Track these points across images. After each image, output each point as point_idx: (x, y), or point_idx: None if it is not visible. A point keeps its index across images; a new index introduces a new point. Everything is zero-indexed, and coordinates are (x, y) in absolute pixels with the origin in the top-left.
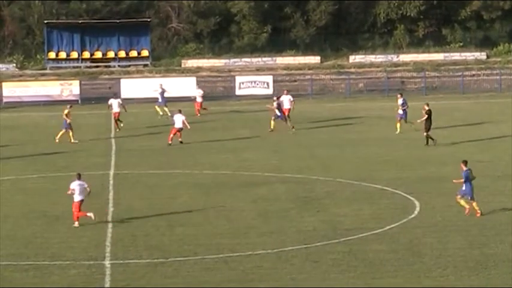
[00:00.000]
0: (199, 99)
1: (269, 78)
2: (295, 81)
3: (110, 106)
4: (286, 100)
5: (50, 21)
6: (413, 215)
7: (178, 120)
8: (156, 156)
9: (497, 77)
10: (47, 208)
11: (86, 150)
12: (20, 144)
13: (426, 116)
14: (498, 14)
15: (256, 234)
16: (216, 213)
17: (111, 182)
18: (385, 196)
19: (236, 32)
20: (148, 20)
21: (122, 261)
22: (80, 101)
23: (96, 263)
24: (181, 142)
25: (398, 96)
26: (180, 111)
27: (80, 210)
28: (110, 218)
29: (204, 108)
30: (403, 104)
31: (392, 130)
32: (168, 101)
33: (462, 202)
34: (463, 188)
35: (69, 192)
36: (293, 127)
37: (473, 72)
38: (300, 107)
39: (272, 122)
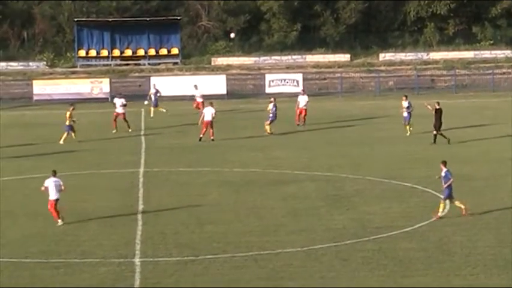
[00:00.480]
0: (199, 99)
1: (299, 76)
2: (324, 79)
3: (115, 105)
4: (302, 100)
5: (80, 19)
6: (442, 213)
7: (208, 113)
8: (185, 154)
9: None
10: (78, 205)
11: (116, 147)
12: (51, 142)
13: (433, 110)
14: None
15: (285, 232)
16: (245, 211)
17: (141, 179)
18: (415, 194)
19: (266, 30)
20: (178, 18)
21: (151, 259)
22: (110, 99)
23: (126, 261)
24: (212, 140)
25: (403, 98)
26: (211, 104)
27: (55, 209)
28: (139, 216)
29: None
30: (408, 106)
31: (421, 128)
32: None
33: (457, 203)
34: (443, 189)
35: (43, 188)
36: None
37: (504, 70)
38: (330, 105)
39: (267, 127)
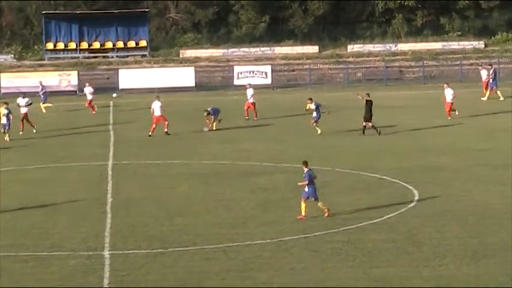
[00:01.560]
0: (89, 96)
1: (267, 68)
2: (293, 70)
3: (18, 105)
4: (249, 94)
5: (47, 11)
6: (411, 204)
7: (157, 107)
8: (154, 146)
9: (496, 66)
10: (46, 199)
11: (84, 140)
12: (18, 135)
13: (364, 101)
14: (496, 3)
15: (255, 224)
16: (215, 203)
17: (110, 172)
18: (383, 185)
19: (234, 22)
20: (147, 10)
21: (121, 252)
22: (78, 92)
23: (95, 254)
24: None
25: (308, 101)
26: (158, 98)
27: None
28: (108, 209)
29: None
30: (317, 108)
31: (390, 120)
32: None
33: (302, 207)
34: (306, 190)
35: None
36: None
37: (472, 61)
38: (299, 97)
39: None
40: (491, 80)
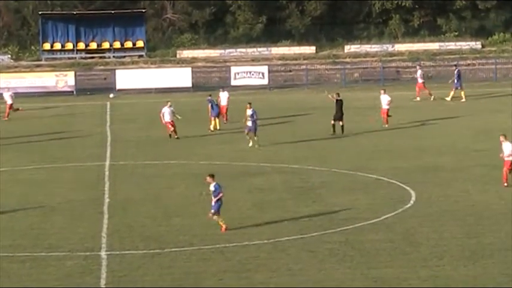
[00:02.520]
0: (9, 101)
1: (264, 69)
2: (290, 71)
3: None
4: (224, 97)
5: (44, 12)
6: (409, 205)
7: (168, 112)
8: (151, 147)
9: (493, 66)
10: (43, 199)
11: (81, 141)
12: (15, 135)
13: (334, 101)
14: (493, 3)
15: (252, 225)
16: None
17: (107, 173)
18: (381, 186)
19: (231, 22)
20: (143, 10)
21: (118, 252)
22: (75, 92)
23: (92, 254)
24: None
25: (248, 106)
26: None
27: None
28: (105, 209)
29: (17, 109)
30: (252, 115)
31: (387, 121)
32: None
33: (215, 218)
34: (213, 203)
35: None
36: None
37: (469, 62)
38: (296, 97)
39: (213, 122)
40: (455, 81)
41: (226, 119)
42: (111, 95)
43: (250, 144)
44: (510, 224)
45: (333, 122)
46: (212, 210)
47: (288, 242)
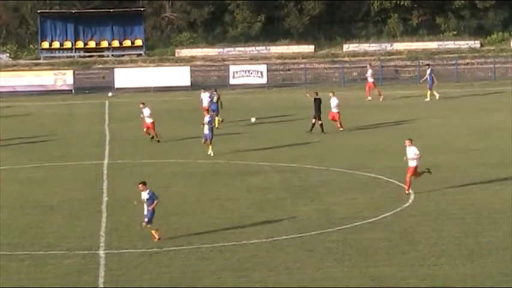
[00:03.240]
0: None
1: (263, 68)
2: (289, 70)
3: None
4: (205, 98)
5: (43, 11)
6: (407, 204)
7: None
8: (150, 145)
9: (491, 66)
10: (42, 198)
11: (80, 140)
12: (14, 134)
13: (313, 99)
14: (492, 2)
15: (250, 224)
16: (210, 202)
17: (105, 171)
18: (379, 185)
19: (230, 21)
20: (142, 9)
21: (116, 251)
22: (73, 91)
23: (90, 253)
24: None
25: (205, 113)
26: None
27: None
28: (104, 208)
29: None
30: (210, 121)
31: (385, 119)
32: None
33: (153, 232)
34: (145, 212)
35: None
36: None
37: (467, 61)
38: (294, 96)
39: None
40: (428, 79)
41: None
42: (110, 94)
43: (211, 153)
44: (508, 222)
45: (313, 120)
46: (146, 219)
47: (286, 241)
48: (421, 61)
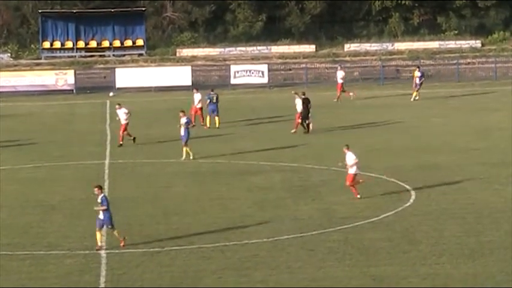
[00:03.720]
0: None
1: (264, 67)
2: (290, 70)
3: None
4: (196, 99)
5: (44, 10)
6: (408, 203)
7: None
8: (151, 145)
9: (492, 65)
10: (43, 198)
11: (81, 139)
12: (15, 134)
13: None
14: (493, 1)
15: (251, 223)
16: (211, 202)
17: (107, 171)
18: (380, 184)
19: (231, 20)
20: (143, 9)
21: (117, 251)
22: (75, 91)
23: (91, 253)
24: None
25: (181, 114)
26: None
27: None
28: None
29: None
30: (187, 123)
31: (386, 119)
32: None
33: (98, 237)
34: (101, 217)
35: None
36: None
37: (468, 60)
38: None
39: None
40: (417, 81)
41: (194, 121)
42: (111, 94)
43: (190, 156)
44: (509, 222)
45: (300, 120)
46: (109, 226)
47: (288, 241)
48: (422, 60)
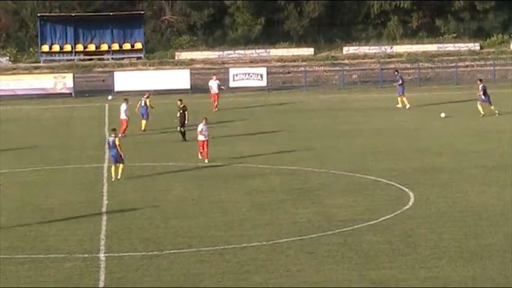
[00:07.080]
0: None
1: (263, 70)
2: (289, 73)
3: None
4: (214, 85)
5: (43, 14)
6: (407, 206)
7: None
8: (149, 148)
9: (491, 68)
10: (42, 201)
11: (80, 143)
12: (13, 137)
13: (181, 111)
14: (491, 4)
15: (250, 226)
16: (210, 205)
17: (105, 174)
18: (379, 187)
19: (230, 24)
20: (142, 12)
21: (116, 254)
22: (73, 94)
23: (90, 256)
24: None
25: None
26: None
27: None
28: (104, 211)
29: None
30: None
31: (385, 122)
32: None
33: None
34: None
35: None
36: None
37: (467, 63)
38: (294, 99)
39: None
40: (398, 86)
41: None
42: (110, 97)
43: (118, 176)
44: (508, 225)
45: (179, 128)
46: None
47: (287, 244)
48: (420, 63)
